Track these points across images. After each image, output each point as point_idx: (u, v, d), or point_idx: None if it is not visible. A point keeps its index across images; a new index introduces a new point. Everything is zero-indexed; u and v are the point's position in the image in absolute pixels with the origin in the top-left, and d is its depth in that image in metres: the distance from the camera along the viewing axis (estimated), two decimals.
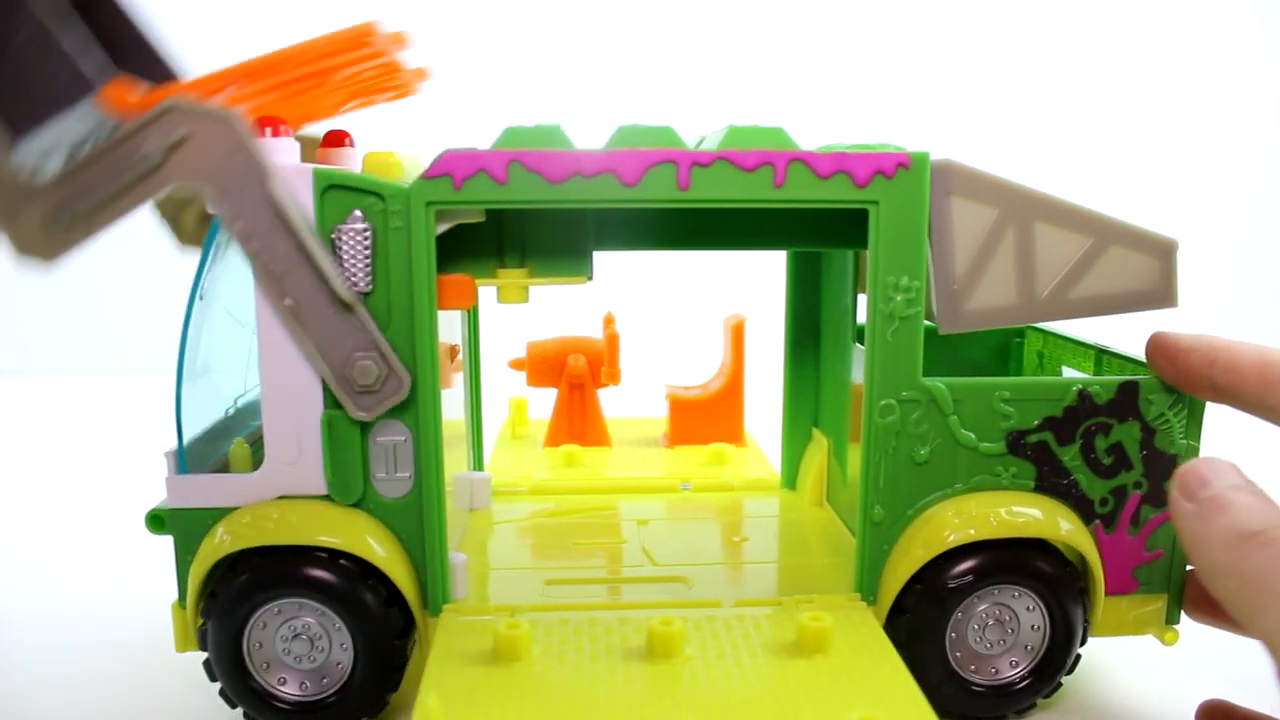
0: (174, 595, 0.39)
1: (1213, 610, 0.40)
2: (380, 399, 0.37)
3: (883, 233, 0.37)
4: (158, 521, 0.39)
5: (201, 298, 0.40)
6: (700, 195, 0.37)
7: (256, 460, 0.43)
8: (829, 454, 0.51)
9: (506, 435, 0.62)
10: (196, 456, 0.41)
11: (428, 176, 0.36)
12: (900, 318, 0.38)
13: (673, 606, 0.39)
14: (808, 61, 1.17)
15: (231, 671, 0.38)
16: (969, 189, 0.38)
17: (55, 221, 0.34)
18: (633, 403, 0.67)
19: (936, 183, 0.37)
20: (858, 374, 0.47)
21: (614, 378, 0.58)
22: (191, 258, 0.40)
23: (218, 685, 0.39)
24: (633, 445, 0.61)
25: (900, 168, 0.37)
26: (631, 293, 0.83)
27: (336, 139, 0.45)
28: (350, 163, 0.42)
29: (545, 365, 0.59)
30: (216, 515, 0.39)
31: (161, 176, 0.35)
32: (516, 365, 0.60)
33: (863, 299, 0.40)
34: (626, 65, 1.15)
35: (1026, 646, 0.39)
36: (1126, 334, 0.45)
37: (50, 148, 0.35)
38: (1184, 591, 0.41)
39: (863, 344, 0.45)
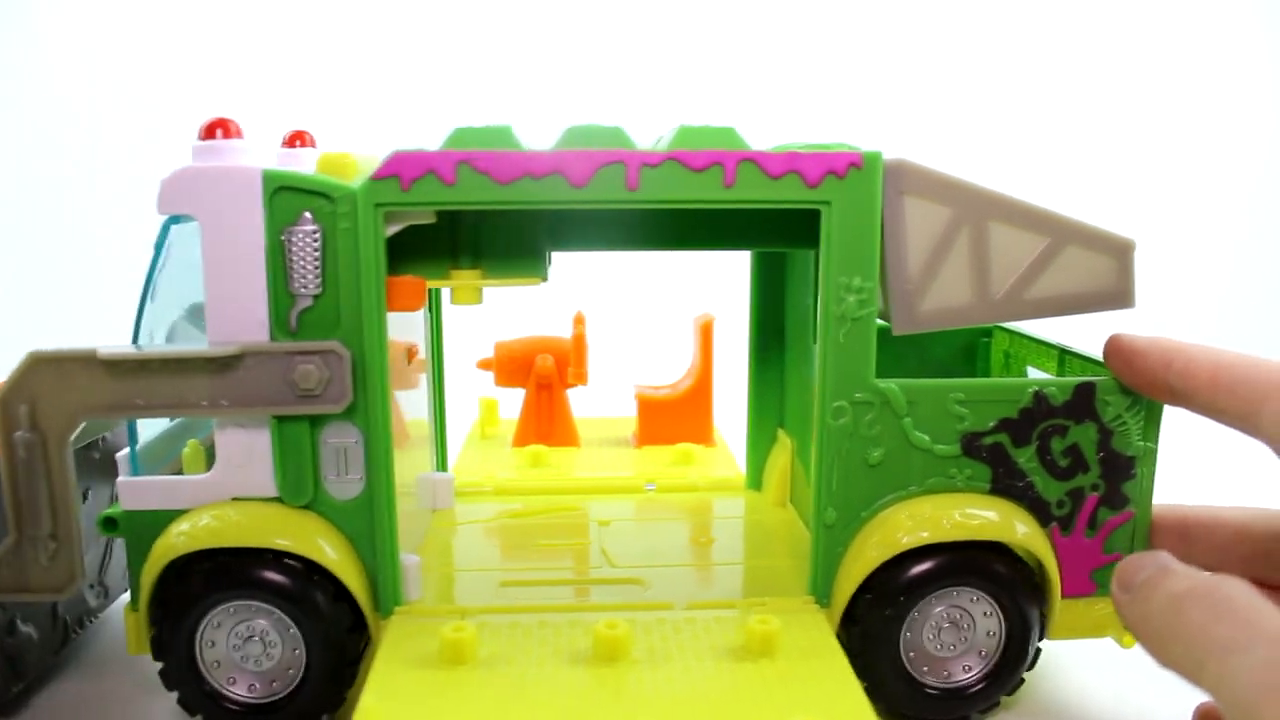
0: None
1: None
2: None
3: (834, 233, 0.37)
4: (110, 524, 0.39)
5: (153, 299, 0.39)
6: (649, 196, 0.36)
7: (209, 462, 0.43)
8: (793, 455, 0.51)
9: (476, 435, 0.62)
10: (152, 459, 0.41)
11: (376, 178, 0.36)
12: (852, 319, 0.38)
13: (625, 609, 0.39)
14: (765, 61, 1.16)
15: (185, 675, 0.38)
16: (922, 188, 0.38)
17: None
18: (603, 403, 0.67)
19: (889, 182, 0.37)
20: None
21: (581, 378, 0.58)
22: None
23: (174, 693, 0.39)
24: (601, 445, 0.60)
25: (852, 167, 0.37)
26: (601, 293, 0.82)
27: (296, 139, 0.45)
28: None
29: (513, 365, 0.59)
30: (169, 517, 0.39)
31: None
32: (484, 365, 0.60)
33: None
34: (587, 66, 1.14)
35: (980, 651, 0.39)
36: (1092, 334, 0.45)
37: None
38: None
39: None
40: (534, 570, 0.44)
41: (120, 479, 0.39)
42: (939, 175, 0.38)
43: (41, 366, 0.37)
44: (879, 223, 0.37)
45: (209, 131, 0.38)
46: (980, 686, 0.39)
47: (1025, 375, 0.48)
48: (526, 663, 0.35)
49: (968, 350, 0.52)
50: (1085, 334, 0.45)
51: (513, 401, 0.62)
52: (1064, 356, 0.45)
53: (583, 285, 0.70)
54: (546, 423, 0.59)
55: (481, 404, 0.63)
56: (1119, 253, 0.39)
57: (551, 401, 0.59)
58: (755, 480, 0.54)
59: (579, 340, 0.57)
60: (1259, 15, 1.19)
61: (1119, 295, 0.39)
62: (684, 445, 0.57)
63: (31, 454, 0.37)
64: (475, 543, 0.48)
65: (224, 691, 0.39)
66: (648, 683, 0.33)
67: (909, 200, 0.38)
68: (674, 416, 0.59)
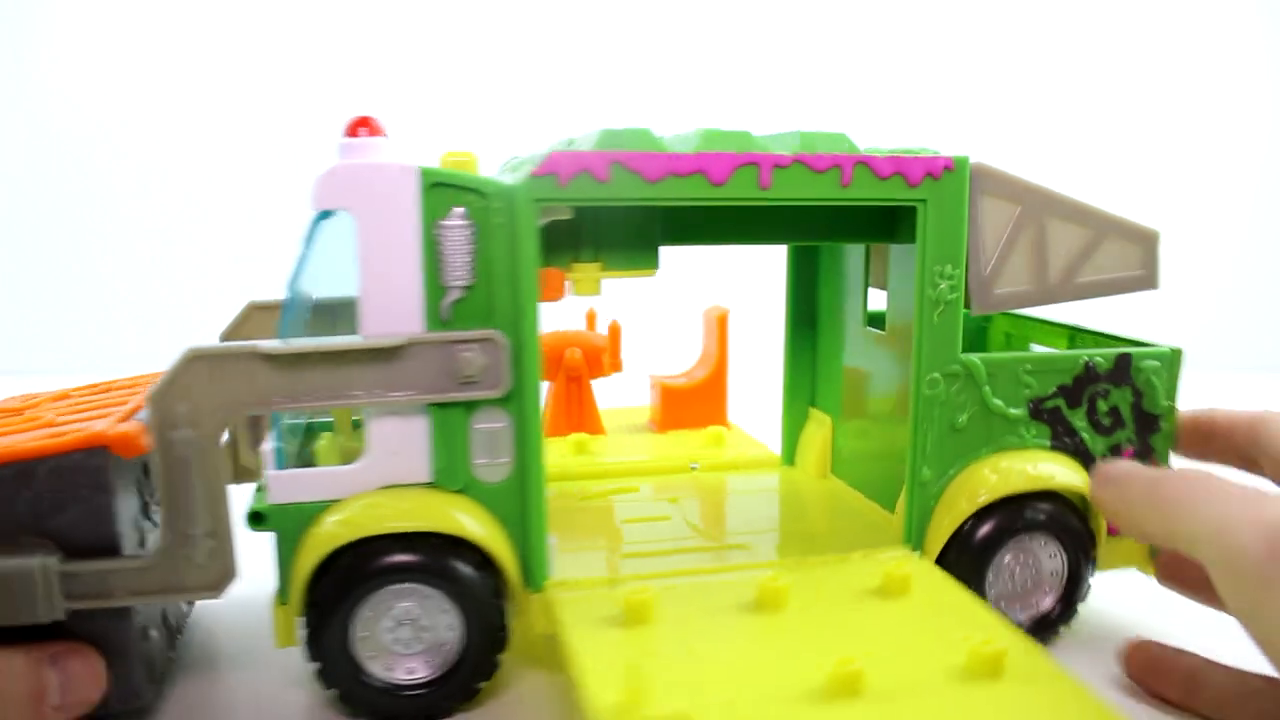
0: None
1: (1181, 578, 0.47)
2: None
3: (930, 227, 0.42)
4: (258, 518, 0.39)
5: (296, 297, 0.40)
6: (778, 194, 0.41)
7: (346, 453, 0.44)
8: (832, 430, 0.56)
9: None
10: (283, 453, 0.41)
11: (535, 175, 0.38)
12: (945, 302, 0.43)
13: (752, 568, 0.43)
14: (800, 64, 1.22)
15: (339, 662, 0.39)
16: (997, 188, 0.44)
17: None
18: (602, 394, 0.70)
19: (972, 183, 0.43)
20: (865, 357, 0.53)
21: (616, 366, 0.61)
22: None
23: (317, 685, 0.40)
24: (624, 432, 0.64)
25: (946, 170, 0.42)
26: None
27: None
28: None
29: (544, 359, 0.61)
30: (317, 509, 0.39)
31: None
32: None
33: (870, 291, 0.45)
34: (620, 67, 1.19)
35: (1046, 588, 0.46)
36: (1079, 315, 0.52)
37: None
38: (1161, 561, 0.47)
39: (875, 328, 0.51)
40: (638, 545, 0.47)
41: (269, 472, 0.39)
42: (1010, 177, 0.44)
43: (199, 363, 0.37)
44: (966, 218, 0.43)
45: (353, 129, 0.39)
46: (1058, 611, 0.45)
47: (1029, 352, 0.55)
48: (702, 617, 0.38)
49: (977, 333, 0.59)
50: (1072, 315, 0.53)
51: None
52: (1074, 334, 0.52)
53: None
54: (577, 412, 0.62)
55: None
56: (1147, 242, 0.46)
57: (580, 392, 0.62)
58: (789, 456, 0.59)
59: (614, 331, 0.60)
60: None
61: (1146, 279, 0.46)
62: (714, 428, 0.61)
63: (189, 452, 0.37)
64: (563, 524, 0.50)
65: (381, 675, 0.40)
66: (816, 622, 0.37)
67: (986, 199, 0.43)
68: (693, 402, 0.63)
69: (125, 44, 1.15)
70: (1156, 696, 0.41)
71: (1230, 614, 0.33)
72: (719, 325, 0.64)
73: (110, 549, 0.38)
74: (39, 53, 1.14)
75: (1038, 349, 0.55)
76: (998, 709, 0.32)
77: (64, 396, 0.46)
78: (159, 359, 0.40)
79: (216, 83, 1.17)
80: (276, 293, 0.54)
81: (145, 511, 0.42)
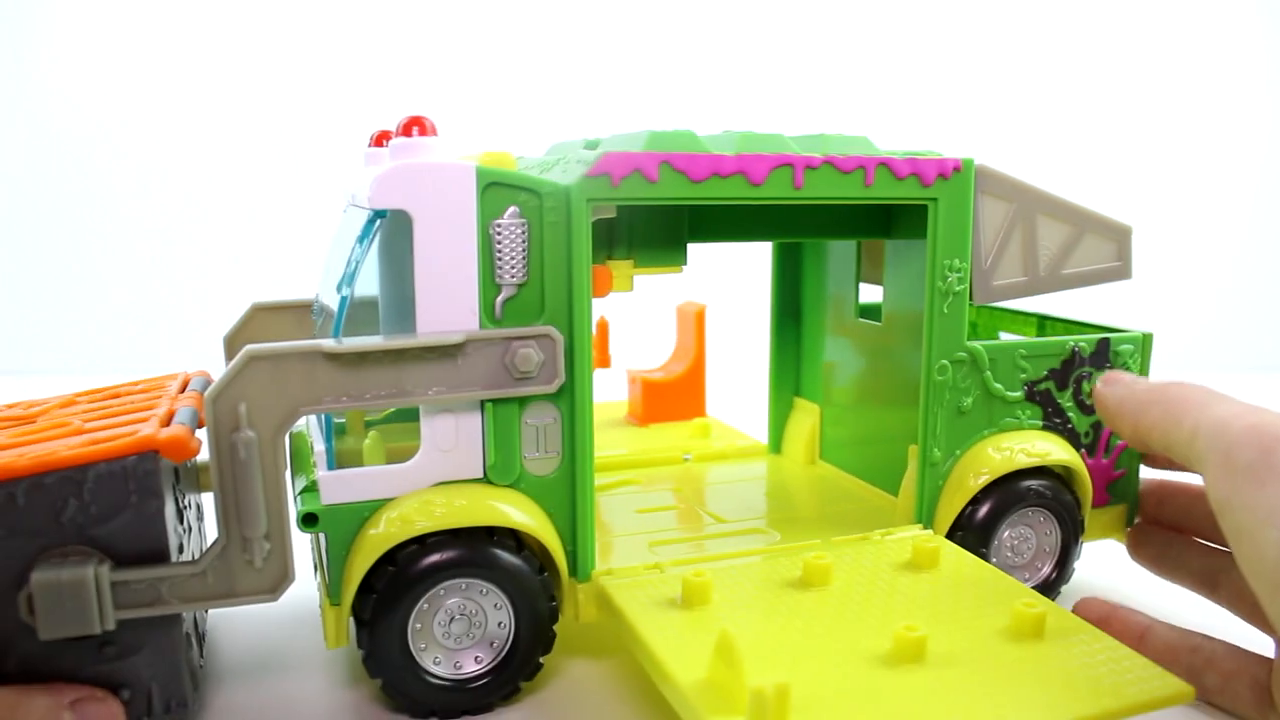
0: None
1: (1147, 553, 0.51)
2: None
3: (940, 224, 0.45)
4: (310, 520, 0.39)
5: (350, 297, 0.40)
6: (810, 193, 0.43)
7: (390, 451, 0.43)
8: (820, 418, 0.59)
9: None
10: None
11: (590, 175, 0.39)
12: (953, 293, 0.46)
13: (787, 549, 0.45)
14: (799, 69, 1.25)
15: (395, 660, 0.39)
16: (994, 188, 0.47)
17: None
18: None
19: (975, 183, 0.46)
20: (857, 347, 0.56)
21: (604, 362, 0.62)
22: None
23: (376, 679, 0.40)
24: (608, 426, 0.65)
25: (955, 171, 0.45)
26: None
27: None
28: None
29: None
30: (370, 509, 0.39)
31: None
32: None
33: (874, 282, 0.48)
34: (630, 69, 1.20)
35: (1042, 559, 0.49)
36: (1041, 304, 0.56)
37: None
38: (1131, 539, 0.51)
39: (867, 319, 0.54)
40: (663, 532, 0.48)
41: (321, 473, 0.39)
42: (1006, 177, 0.47)
43: (259, 364, 0.36)
44: (972, 215, 0.46)
45: (406, 129, 0.39)
46: (1054, 576, 0.49)
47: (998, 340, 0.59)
48: (757, 595, 0.40)
49: None
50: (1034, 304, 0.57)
51: None
52: (1043, 321, 0.56)
53: None
54: None
55: None
56: (1121, 236, 0.50)
57: None
58: (776, 444, 0.61)
59: (602, 327, 0.61)
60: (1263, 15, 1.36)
61: (1122, 270, 0.51)
62: (700, 419, 0.63)
63: (250, 453, 0.36)
64: None
65: (436, 670, 0.40)
66: (863, 595, 0.40)
67: (985, 198, 0.47)
68: (673, 396, 0.65)
69: (125, 44, 1.12)
70: None
71: (1213, 507, 0.35)
72: (696, 320, 0.66)
73: (160, 555, 0.37)
74: (39, 53, 1.10)
75: (1006, 336, 0.59)
76: (1048, 665, 0.35)
77: (72, 402, 0.44)
78: (159, 359, 0.40)
79: (216, 83, 1.15)
80: (278, 293, 0.53)
81: (180, 517, 0.41)
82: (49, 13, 1.10)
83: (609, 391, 0.69)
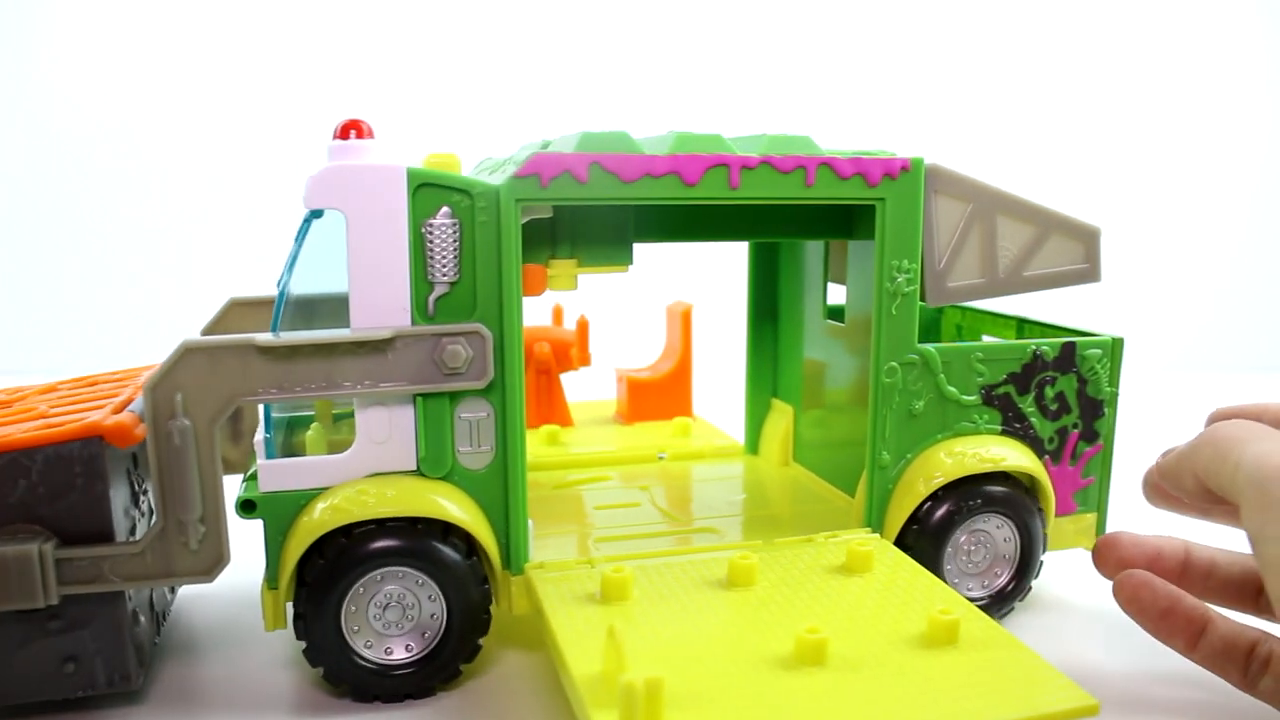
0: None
1: (1168, 496, 0.48)
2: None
3: (888, 224, 0.45)
4: (249, 506, 0.41)
5: (287, 292, 0.42)
6: (747, 193, 0.43)
7: (331, 444, 0.45)
8: (793, 420, 0.59)
9: None
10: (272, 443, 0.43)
11: (518, 176, 0.40)
12: (902, 295, 0.46)
13: (723, 549, 0.45)
14: (765, 69, 1.25)
15: (330, 646, 0.41)
16: (949, 188, 0.46)
17: None
18: (570, 387, 0.72)
19: (927, 182, 0.45)
20: (825, 349, 0.55)
21: (585, 360, 0.63)
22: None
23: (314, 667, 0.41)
24: (593, 424, 0.66)
25: (903, 170, 0.45)
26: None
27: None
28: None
29: None
30: (306, 497, 0.41)
31: None
32: None
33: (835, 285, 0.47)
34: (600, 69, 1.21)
35: (999, 566, 0.48)
36: (1020, 307, 0.55)
37: None
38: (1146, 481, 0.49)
39: (835, 320, 0.53)
40: (613, 529, 0.49)
41: (261, 462, 0.41)
42: (962, 176, 0.46)
43: (195, 355, 0.38)
44: (921, 216, 0.45)
45: (344, 132, 0.41)
46: (1011, 586, 0.48)
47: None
48: (676, 593, 0.40)
49: (930, 325, 0.61)
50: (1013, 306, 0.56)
51: None
52: (1021, 324, 0.55)
53: None
54: (546, 405, 0.63)
55: None
56: (1089, 238, 0.49)
57: (550, 385, 0.64)
58: (753, 445, 0.61)
59: (582, 326, 0.62)
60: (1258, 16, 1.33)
61: (1089, 273, 0.49)
62: (681, 419, 0.63)
63: (185, 440, 0.38)
64: (540, 511, 0.52)
65: (368, 656, 0.41)
66: (784, 598, 0.40)
67: (939, 198, 0.46)
68: (659, 395, 0.66)
69: (125, 44, 1.15)
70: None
71: (1248, 539, 0.35)
72: (683, 320, 0.66)
73: (105, 535, 0.39)
74: (39, 53, 1.14)
75: (989, 339, 0.58)
76: (952, 673, 0.35)
77: (52, 389, 0.47)
78: (159, 359, 0.42)
79: (216, 83, 1.18)
80: (266, 290, 0.55)
81: (135, 500, 0.43)
82: (49, 13, 1.13)
83: (599, 390, 0.70)
